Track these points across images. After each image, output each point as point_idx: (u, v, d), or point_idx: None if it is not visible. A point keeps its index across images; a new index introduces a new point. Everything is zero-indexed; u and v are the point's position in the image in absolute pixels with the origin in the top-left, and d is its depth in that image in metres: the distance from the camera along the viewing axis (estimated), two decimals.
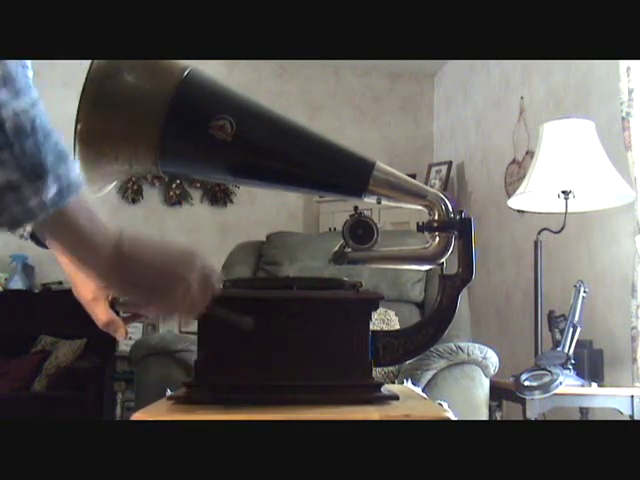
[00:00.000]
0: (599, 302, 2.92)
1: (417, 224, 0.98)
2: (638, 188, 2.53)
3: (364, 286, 0.96)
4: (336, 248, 0.96)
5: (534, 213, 2.88)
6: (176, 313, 0.82)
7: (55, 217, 0.64)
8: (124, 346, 4.00)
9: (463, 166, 4.83)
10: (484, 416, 2.44)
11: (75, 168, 0.65)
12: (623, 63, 2.62)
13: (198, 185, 5.08)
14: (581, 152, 2.48)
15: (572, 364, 2.36)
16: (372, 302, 0.93)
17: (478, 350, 2.45)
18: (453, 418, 0.81)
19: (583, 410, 2.68)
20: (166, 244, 0.79)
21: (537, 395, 2.22)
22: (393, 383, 2.34)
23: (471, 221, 0.96)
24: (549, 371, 2.23)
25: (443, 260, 0.96)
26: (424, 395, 1.21)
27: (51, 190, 0.62)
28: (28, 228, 0.91)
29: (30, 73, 0.88)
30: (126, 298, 0.89)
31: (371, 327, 0.92)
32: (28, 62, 0.64)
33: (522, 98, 3.86)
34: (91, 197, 0.69)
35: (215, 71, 0.88)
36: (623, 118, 2.61)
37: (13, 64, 0.62)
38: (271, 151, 0.92)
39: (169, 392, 1.04)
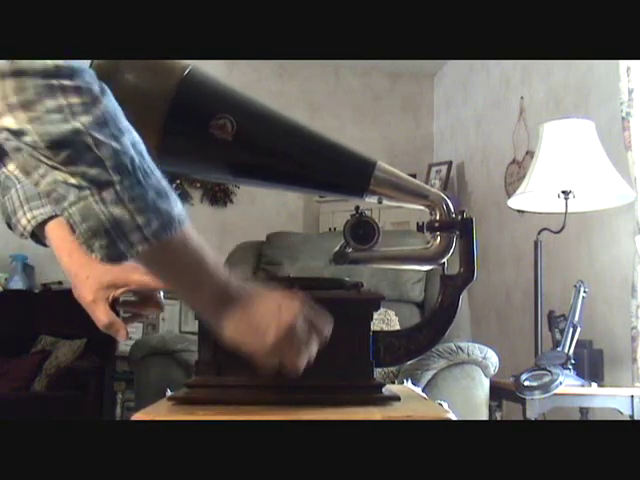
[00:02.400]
0: (599, 302, 2.92)
1: (417, 224, 0.98)
2: (638, 188, 2.53)
3: (364, 286, 0.96)
4: (337, 248, 0.96)
5: (534, 213, 2.88)
6: (277, 357, 0.78)
7: (158, 251, 0.67)
8: (124, 346, 3.99)
9: (463, 166, 4.83)
10: (484, 416, 2.44)
11: (178, 205, 0.68)
12: (623, 63, 2.62)
13: (198, 185, 5.08)
14: (581, 152, 2.48)
15: (572, 364, 2.36)
16: (373, 302, 0.93)
17: (478, 350, 2.45)
18: (454, 418, 0.81)
19: (583, 410, 2.68)
20: (274, 289, 0.79)
21: (537, 395, 2.22)
22: (393, 383, 2.34)
23: (472, 221, 0.95)
24: (549, 371, 2.23)
25: (444, 260, 0.96)
26: (424, 395, 1.21)
27: (153, 224, 0.65)
28: (28, 227, 0.91)
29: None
30: (130, 297, 0.89)
31: (371, 327, 0.92)
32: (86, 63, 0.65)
33: (522, 98, 3.86)
34: (197, 235, 0.71)
35: (215, 71, 0.88)
36: (623, 118, 2.61)
37: (113, 102, 0.65)
38: (272, 151, 0.92)
39: (169, 392, 1.04)
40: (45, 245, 0.93)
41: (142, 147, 0.67)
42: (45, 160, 0.62)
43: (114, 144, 0.63)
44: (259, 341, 0.76)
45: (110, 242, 0.64)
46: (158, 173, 0.67)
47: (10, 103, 0.60)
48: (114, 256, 0.65)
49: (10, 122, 0.61)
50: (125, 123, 0.66)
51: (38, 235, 0.92)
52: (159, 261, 0.70)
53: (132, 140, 0.66)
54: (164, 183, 0.68)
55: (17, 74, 0.60)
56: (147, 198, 0.64)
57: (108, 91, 0.66)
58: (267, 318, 0.76)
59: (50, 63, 0.61)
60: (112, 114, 0.64)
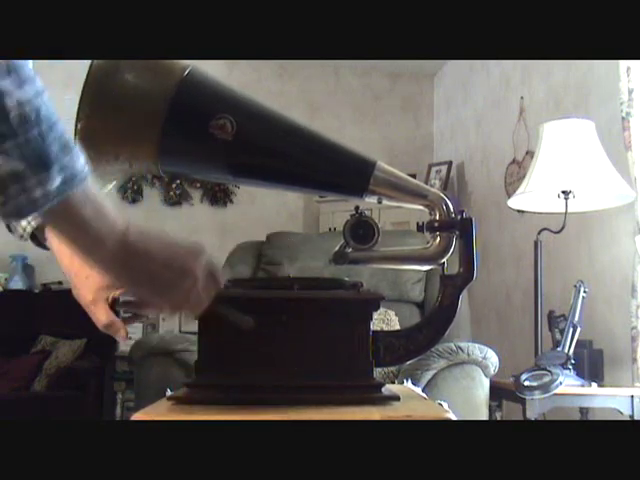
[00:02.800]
0: (599, 302, 2.92)
1: (417, 224, 0.98)
2: (638, 188, 2.53)
3: (364, 286, 0.96)
4: (337, 248, 0.96)
5: (534, 213, 2.88)
6: (181, 309, 0.80)
7: (59, 208, 0.63)
8: (124, 346, 3.99)
9: (463, 166, 4.83)
10: (484, 416, 2.44)
11: (81, 159, 0.65)
12: (623, 63, 2.62)
13: (198, 185, 5.08)
14: (581, 152, 2.48)
15: (572, 364, 2.36)
16: (373, 302, 0.93)
17: (478, 350, 2.45)
18: (454, 418, 0.81)
19: (583, 410, 2.68)
20: (172, 239, 0.79)
21: (537, 395, 2.22)
22: (393, 383, 2.34)
23: (472, 221, 0.95)
24: (549, 371, 2.23)
25: (444, 260, 0.96)
26: (424, 395, 1.20)
27: (56, 180, 0.61)
28: (28, 229, 0.91)
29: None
30: (129, 296, 0.89)
31: (371, 327, 0.92)
32: (30, 62, 0.63)
33: (522, 98, 3.86)
34: (98, 189, 0.68)
35: (215, 71, 0.88)
36: (623, 118, 2.61)
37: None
38: (272, 151, 0.92)
39: (169, 392, 1.04)
40: (45, 248, 0.93)
41: (46, 97, 0.63)
42: None
43: (18, 93, 0.59)
44: (159, 292, 0.77)
45: (9, 198, 0.60)
46: (61, 125, 0.64)
47: None
48: (14, 212, 0.61)
49: None
50: (30, 72, 0.62)
51: (38, 237, 0.92)
52: (59, 216, 0.66)
53: (36, 88, 0.61)
54: (68, 136, 0.64)
55: None
56: (50, 152, 0.61)
57: None
58: (167, 269, 0.76)
59: None
60: (16, 63, 0.60)
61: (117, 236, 0.71)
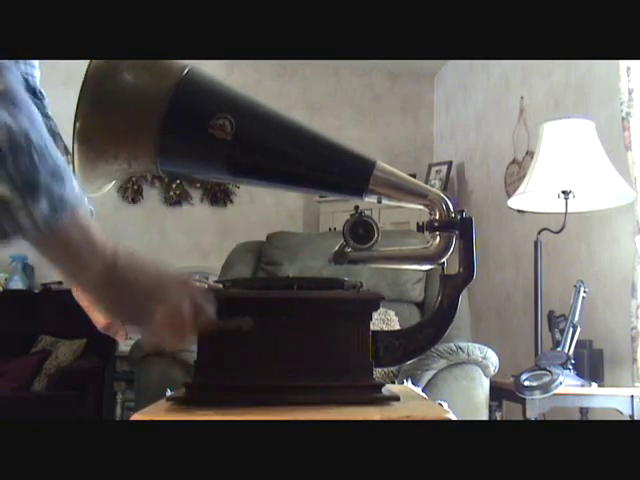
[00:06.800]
0: (599, 302, 2.92)
1: (417, 224, 0.98)
2: (638, 188, 2.53)
3: (364, 286, 0.96)
4: (336, 248, 0.96)
5: (534, 213, 2.88)
6: (162, 338, 0.79)
7: (46, 233, 0.63)
8: (124, 346, 3.99)
9: (463, 166, 4.83)
10: (484, 416, 2.44)
11: (72, 186, 0.64)
12: (623, 63, 2.62)
13: (198, 185, 5.08)
14: (581, 152, 2.48)
15: (572, 364, 2.36)
16: (373, 302, 0.93)
17: (478, 350, 2.45)
18: (454, 419, 0.81)
19: (583, 410, 2.68)
20: (161, 267, 0.78)
21: (537, 395, 2.22)
22: (393, 383, 2.34)
23: (472, 221, 0.95)
24: (549, 371, 2.23)
25: (444, 260, 0.96)
26: (424, 395, 1.20)
27: (42, 206, 0.61)
28: None
29: (37, 73, 0.88)
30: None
31: (371, 327, 0.92)
32: (36, 62, 0.64)
33: (522, 98, 3.86)
34: (88, 215, 0.68)
35: (215, 71, 0.88)
36: (623, 118, 2.61)
37: (14, 78, 0.62)
38: (271, 150, 0.92)
39: (169, 392, 1.04)
40: None
41: (40, 124, 0.63)
42: None
43: (8, 120, 0.59)
44: (142, 320, 0.76)
45: None
46: (56, 153, 0.64)
47: None
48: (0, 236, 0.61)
49: None
50: (24, 97, 0.62)
51: None
52: (45, 242, 0.67)
53: (29, 116, 0.62)
54: (60, 163, 0.64)
55: None
56: (39, 179, 0.61)
57: (8, 65, 0.62)
58: (152, 297, 0.75)
59: None
60: (9, 88, 0.61)
61: (104, 263, 0.71)
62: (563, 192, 2.48)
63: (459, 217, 0.95)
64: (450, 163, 4.79)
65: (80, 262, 0.70)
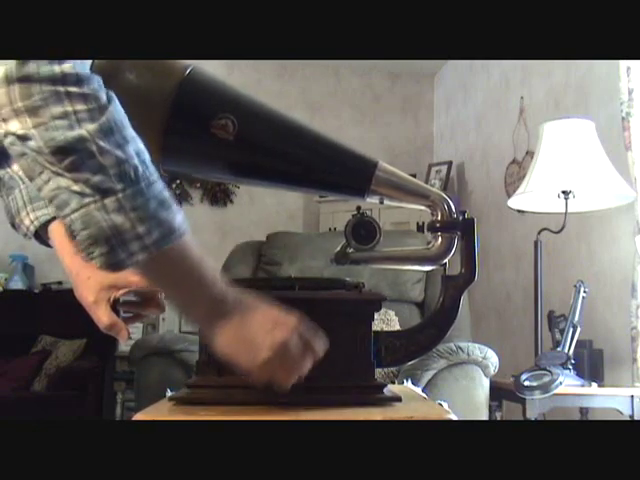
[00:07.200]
0: (599, 302, 2.92)
1: (417, 224, 0.98)
2: (638, 188, 2.53)
3: (365, 287, 0.96)
4: (338, 248, 0.96)
5: (534, 213, 2.88)
6: (270, 375, 0.78)
7: (159, 259, 0.67)
8: (124, 346, 3.99)
9: (463, 166, 4.83)
10: (484, 416, 2.44)
11: (179, 216, 0.68)
12: (623, 63, 2.62)
13: (198, 185, 5.08)
14: (581, 152, 2.48)
15: (572, 364, 2.36)
16: (374, 303, 0.93)
17: (478, 350, 2.45)
18: (455, 419, 0.81)
19: (583, 410, 2.68)
20: (271, 304, 0.78)
21: (537, 395, 2.22)
22: (393, 383, 2.34)
23: (474, 221, 0.95)
24: (549, 371, 2.23)
25: (446, 260, 0.96)
26: (424, 395, 1.20)
27: (154, 235, 0.65)
28: (31, 228, 0.91)
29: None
30: (130, 297, 0.89)
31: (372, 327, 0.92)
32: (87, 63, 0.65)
33: (522, 98, 3.86)
34: (197, 244, 0.71)
35: (215, 71, 0.88)
36: (623, 118, 2.61)
37: (120, 109, 0.66)
38: (273, 150, 0.92)
39: (169, 392, 1.04)
40: (48, 245, 0.93)
41: (146, 156, 0.67)
42: (49, 166, 0.62)
43: (118, 152, 0.63)
44: (251, 357, 0.76)
45: (110, 250, 0.64)
46: (161, 183, 0.68)
47: (16, 108, 0.61)
48: (113, 264, 0.65)
49: (16, 127, 0.61)
50: (130, 131, 0.66)
51: (41, 235, 0.92)
52: (157, 271, 0.70)
53: (136, 149, 0.66)
54: (166, 193, 0.68)
55: (24, 80, 0.60)
56: (149, 207, 0.65)
57: (115, 99, 0.66)
58: (261, 334, 0.75)
59: (57, 69, 0.61)
60: (118, 122, 0.65)
61: (213, 296, 0.73)
62: (563, 192, 2.48)
63: (461, 218, 0.95)
64: (450, 163, 4.79)
65: (189, 292, 0.73)
